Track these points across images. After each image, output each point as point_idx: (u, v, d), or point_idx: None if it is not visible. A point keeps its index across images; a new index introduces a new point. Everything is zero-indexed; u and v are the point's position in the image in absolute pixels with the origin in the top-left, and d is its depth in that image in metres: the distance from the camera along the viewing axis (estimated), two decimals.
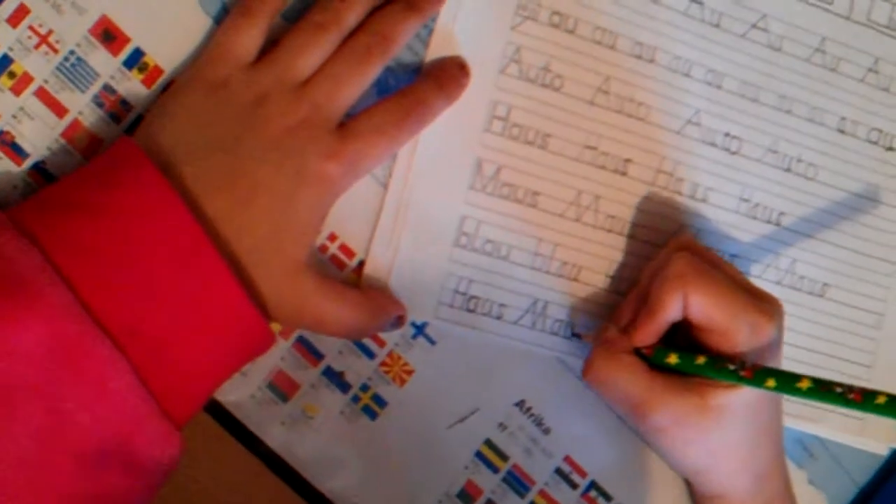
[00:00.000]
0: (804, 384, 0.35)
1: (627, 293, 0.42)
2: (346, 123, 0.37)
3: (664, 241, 0.43)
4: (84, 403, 0.31)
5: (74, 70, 0.38)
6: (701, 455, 0.39)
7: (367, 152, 0.37)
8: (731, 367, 0.37)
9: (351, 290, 0.39)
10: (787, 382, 0.35)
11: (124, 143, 0.35)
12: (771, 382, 0.36)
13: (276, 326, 0.40)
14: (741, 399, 0.38)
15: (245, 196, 0.35)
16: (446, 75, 0.40)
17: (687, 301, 0.37)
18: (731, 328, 0.37)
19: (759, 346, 0.38)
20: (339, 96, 0.37)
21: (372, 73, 0.38)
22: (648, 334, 0.39)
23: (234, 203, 0.35)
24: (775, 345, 0.39)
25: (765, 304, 0.38)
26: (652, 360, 0.39)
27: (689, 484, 0.44)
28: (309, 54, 0.37)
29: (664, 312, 0.38)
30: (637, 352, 0.39)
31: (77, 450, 0.31)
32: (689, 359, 0.38)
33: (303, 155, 0.36)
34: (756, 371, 0.36)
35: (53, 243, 0.32)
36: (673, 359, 0.38)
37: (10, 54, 0.37)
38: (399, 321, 0.40)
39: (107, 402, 0.31)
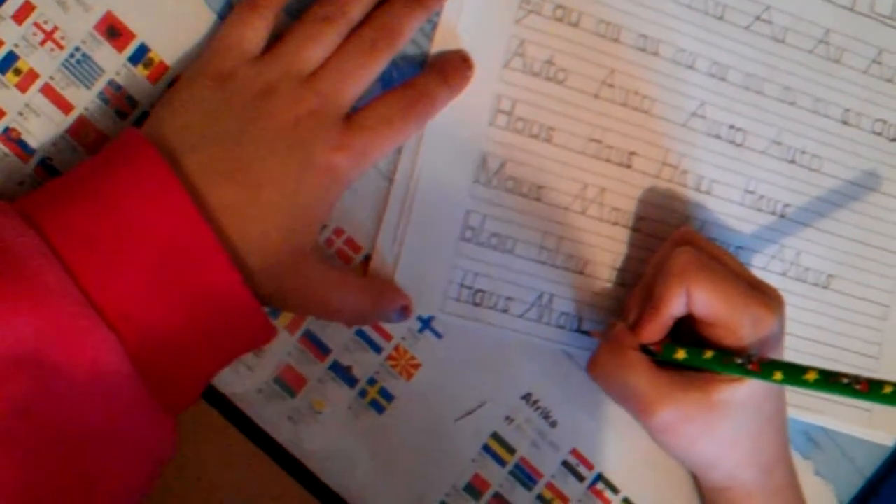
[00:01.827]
0: (811, 376, 0.35)
1: (633, 286, 0.42)
2: (352, 115, 0.37)
3: (669, 233, 0.43)
4: (76, 386, 0.31)
5: (80, 66, 0.38)
6: (707, 449, 0.39)
7: (373, 143, 0.37)
8: (739, 360, 0.37)
9: (355, 276, 0.39)
10: (794, 375, 0.36)
11: (128, 133, 0.35)
12: (778, 375, 0.36)
13: (284, 319, 0.40)
14: (746, 392, 0.38)
15: (251, 187, 0.35)
16: (450, 67, 0.40)
17: (690, 296, 0.37)
18: (734, 321, 0.37)
19: (761, 339, 0.38)
20: (346, 89, 0.37)
21: (378, 66, 0.38)
22: (654, 331, 0.39)
23: (239, 194, 0.35)
24: (777, 337, 0.39)
25: (766, 297, 0.38)
26: (660, 357, 0.39)
27: (695, 477, 0.44)
28: (315, 47, 0.37)
29: (668, 308, 0.38)
30: (644, 348, 0.39)
31: (67, 432, 0.31)
32: (697, 353, 0.38)
33: (309, 146, 0.36)
34: (763, 364, 0.36)
35: (52, 227, 0.32)
36: (681, 354, 0.38)
37: (16, 51, 0.37)
38: (405, 312, 0.40)
39: (99, 386, 0.31)
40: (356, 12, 0.38)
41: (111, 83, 0.38)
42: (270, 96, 0.36)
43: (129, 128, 0.35)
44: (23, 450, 0.30)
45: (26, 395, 0.30)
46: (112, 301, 0.32)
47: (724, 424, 0.38)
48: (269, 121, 0.36)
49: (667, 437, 0.39)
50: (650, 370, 0.38)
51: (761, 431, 0.40)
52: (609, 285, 0.43)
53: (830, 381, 0.35)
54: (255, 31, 0.37)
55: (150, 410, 0.33)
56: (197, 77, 0.37)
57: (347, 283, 0.38)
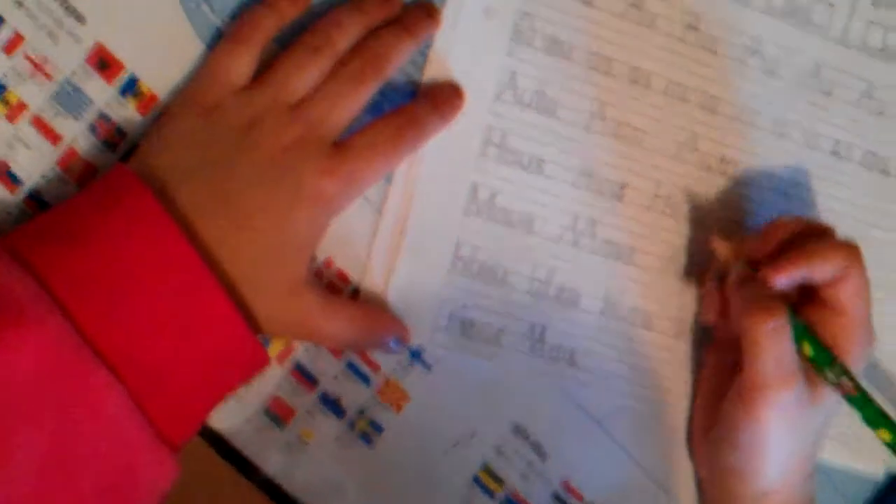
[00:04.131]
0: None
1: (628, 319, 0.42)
2: (341, 142, 0.37)
3: (663, 266, 0.43)
4: (82, 432, 0.31)
5: (69, 98, 0.37)
6: (792, 442, 0.39)
7: (362, 169, 0.37)
8: (830, 374, 0.38)
9: (350, 304, 0.39)
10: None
11: (118, 171, 0.35)
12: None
13: (273, 350, 0.40)
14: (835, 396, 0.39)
15: (241, 217, 0.35)
16: (441, 96, 0.40)
17: (846, 274, 0.38)
18: (862, 323, 0.39)
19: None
20: (333, 116, 0.37)
21: (365, 94, 0.38)
22: (790, 274, 0.38)
23: (229, 224, 0.35)
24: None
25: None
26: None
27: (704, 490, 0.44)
28: (302, 76, 0.37)
29: (818, 264, 0.38)
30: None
31: (75, 477, 0.31)
32: (804, 335, 0.38)
33: (298, 173, 0.36)
34: (860, 392, 0.38)
35: (49, 271, 0.32)
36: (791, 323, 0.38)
37: (5, 82, 0.37)
38: (402, 341, 0.40)
39: (104, 430, 0.31)
40: (344, 42, 0.38)
41: (101, 115, 0.38)
42: (257, 126, 0.36)
43: (119, 165, 0.35)
44: (35, 501, 0.30)
45: (41, 451, 0.30)
46: (113, 345, 0.32)
47: (812, 421, 0.39)
48: (256, 151, 0.35)
49: (774, 419, 0.38)
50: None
51: (817, 439, 0.41)
52: (602, 318, 0.43)
53: None
54: (240, 63, 0.37)
55: (156, 451, 0.33)
56: (183, 109, 0.37)
57: (342, 311, 0.38)
